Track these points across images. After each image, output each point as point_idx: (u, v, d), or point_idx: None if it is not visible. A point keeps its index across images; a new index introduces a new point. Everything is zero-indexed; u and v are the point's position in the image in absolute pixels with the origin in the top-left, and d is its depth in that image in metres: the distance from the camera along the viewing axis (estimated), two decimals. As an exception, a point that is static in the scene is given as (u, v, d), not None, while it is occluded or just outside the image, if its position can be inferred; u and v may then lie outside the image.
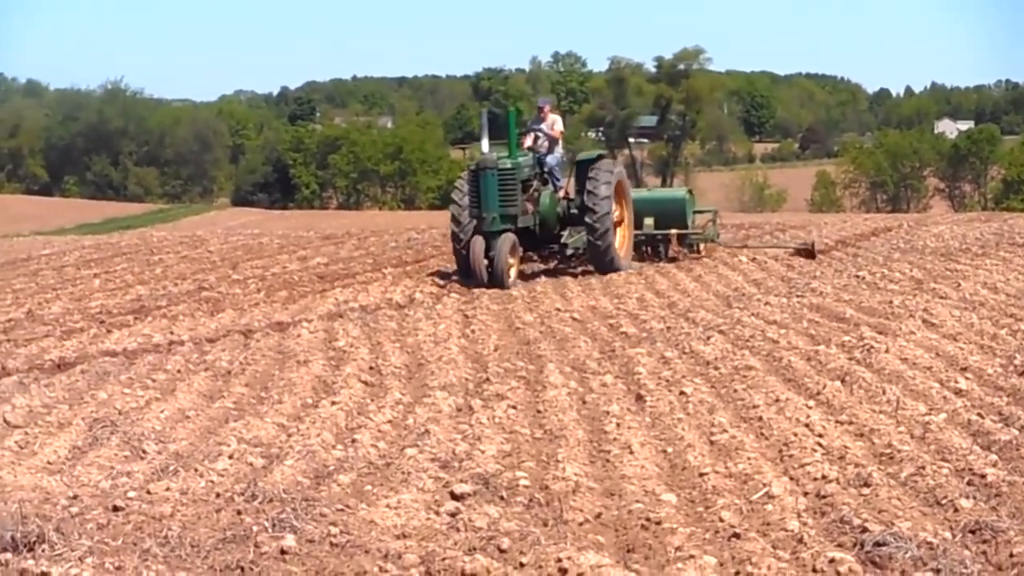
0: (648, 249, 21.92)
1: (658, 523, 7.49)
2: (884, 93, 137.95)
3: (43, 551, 7.02)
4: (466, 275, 18.73)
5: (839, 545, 7.02)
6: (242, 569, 6.88)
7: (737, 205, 76.12)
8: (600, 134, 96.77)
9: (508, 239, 18.52)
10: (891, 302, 16.05)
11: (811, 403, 10.68)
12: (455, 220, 19.14)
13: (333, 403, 11.33)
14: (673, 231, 21.54)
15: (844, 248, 24.26)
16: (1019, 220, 31.13)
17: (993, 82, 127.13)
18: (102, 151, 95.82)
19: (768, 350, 13.21)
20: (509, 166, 18.75)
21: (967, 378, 11.51)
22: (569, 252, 20.42)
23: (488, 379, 12.37)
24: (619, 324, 15.48)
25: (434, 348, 14.12)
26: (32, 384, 12.76)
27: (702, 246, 22.08)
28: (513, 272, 18.69)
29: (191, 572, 6.78)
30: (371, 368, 13.14)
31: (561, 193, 20.13)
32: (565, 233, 20.22)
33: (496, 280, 18.19)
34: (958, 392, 10.93)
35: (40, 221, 58.36)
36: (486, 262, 18.28)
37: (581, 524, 7.64)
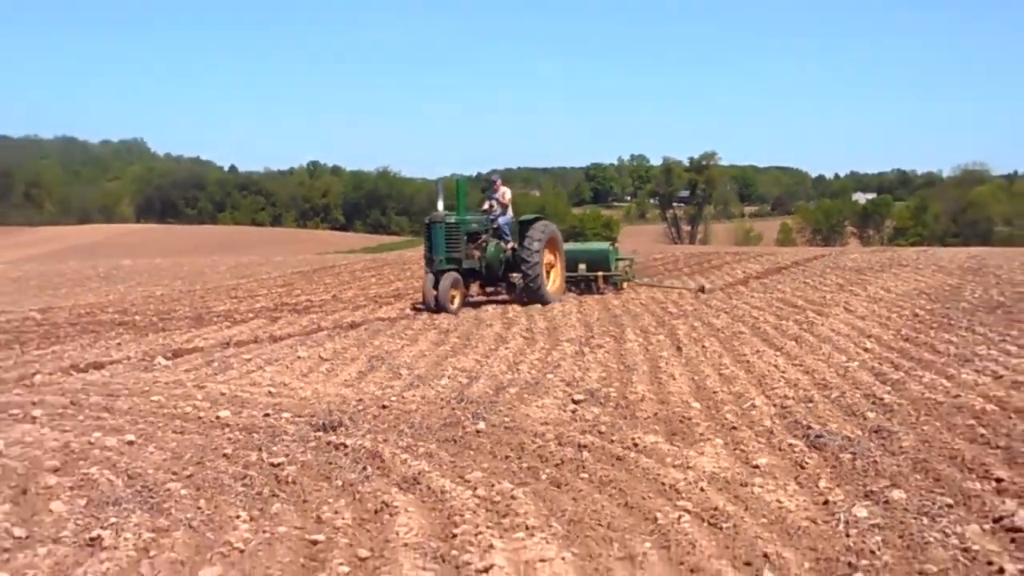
0: (583, 286, 22.62)
1: (689, 419, 8.90)
2: (821, 177, 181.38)
3: (342, 430, 8.65)
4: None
5: (795, 436, 8.26)
6: (455, 441, 8.31)
7: (734, 243, 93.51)
8: (656, 200, 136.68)
9: (450, 277, 18.96)
10: (824, 297, 19.99)
11: (777, 354, 12.70)
12: (425, 261, 19.90)
13: (506, 348, 13.72)
14: (600, 273, 22.45)
15: (798, 266, 28.56)
16: (902, 252, 36.08)
17: (888, 168, 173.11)
18: (376, 206, 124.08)
19: (753, 322, 16.03)
20: (454, 221, 19.39)
21: (871, 341, 13.56)
22: (518, 289, 20.60)
23: (593, 336, 14.80)
24: (667, 307, 18.78)
25: (562, 318, 17.27)
26: (336, 335, 15.87)
27: (625, 284, 23.01)
28: (456, 301, 18.97)
29: (426, 443, 8.23)
30: (527, 329, 15.87)
31: (510, 245, 20.42)
32: (513, 275, 20.61)
33: (441, 307, 18.54)
34: (865, 349, 12.91)
35: (339, 245, 72.15)
36: (435, 293, 18.72)
37: (646, 419, 8.95)
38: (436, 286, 18.94)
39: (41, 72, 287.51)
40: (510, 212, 20.94)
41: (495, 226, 20.53)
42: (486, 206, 20.76)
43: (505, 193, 20.95)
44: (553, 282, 20.89)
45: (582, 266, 22.60)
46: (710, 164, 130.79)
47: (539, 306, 19.32)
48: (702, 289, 22.13)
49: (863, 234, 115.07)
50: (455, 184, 21.02)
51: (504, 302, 20.31)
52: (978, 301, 18.28)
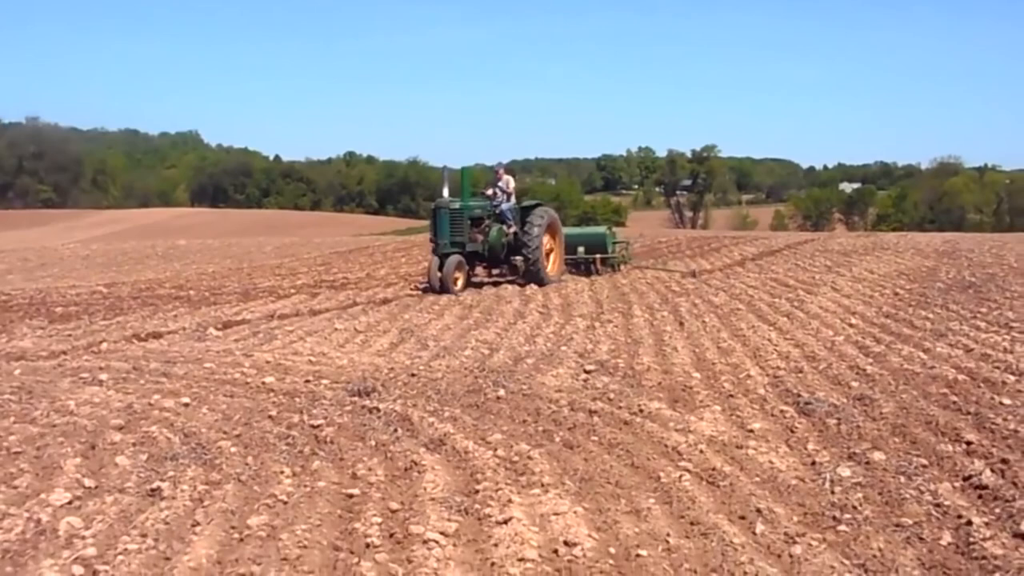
0: (583, 267, 22.15)
1: (690, 388, 9.01)
2: (811, 168, 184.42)
3: (375, 396, 8.78)
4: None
5: (786, 403, 8.40)
6: (477, 406, 8.40)
7: (732, 228, 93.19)
8: (661, 188, 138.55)
9: (454, 259, 18.46)
10: (813, 277, 20.11)
11: (771, 328, 12.85)
12: (431, 244, 19.37)
13: (523, 322, 13.85)
14: (597, 255, 22.02)
15: (790, 249, 28.53)
16: (884, 236, 36.10)
17: (872, 161, 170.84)
18: (406, 192, 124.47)
19: (748, 300, 16.25)
20: (457, 207, 18.84)
21: (855, 317, 13.80)
22: (519, 271, 20.09)
23: (603, 312, 15.03)
24: (671, 286, 18.96)
25: (575, 296, 17.41)
26: (370, 310, 16.12)
27: (622, 266, 22.63)
28: (460, 283, 18.50)
29: (451, 407, 8.33)
30: (543, 305, 15.98)
31: (512, 230, 19.79)
32: (515, 257, 20.05)
33: (445, 288, 18.04)
34: (850, 325, 13.11)
35: (373, 228, 72.40)
36: (439, 274, 18.28)
37: (651, 387, 9.06)
38: (441, 268, 18.49)
39: (107, 70, 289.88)
40: (513, 199, 20.48)
41: (498, 211, 20.02)
42: (489, 192, 20.21)
43: (509, 181, 20.46)
44: (552, 264, 20.49)
45: (581, 249, 22.19)
46: (711, 156, 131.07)
47: (554, 284, 19.19)
48: (693, 274, 21.52)
49: (849, 220, 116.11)
50: (460, 172, 20.45)
51: (509, 282, 19.87)
52: (952, 281, 18.30)
